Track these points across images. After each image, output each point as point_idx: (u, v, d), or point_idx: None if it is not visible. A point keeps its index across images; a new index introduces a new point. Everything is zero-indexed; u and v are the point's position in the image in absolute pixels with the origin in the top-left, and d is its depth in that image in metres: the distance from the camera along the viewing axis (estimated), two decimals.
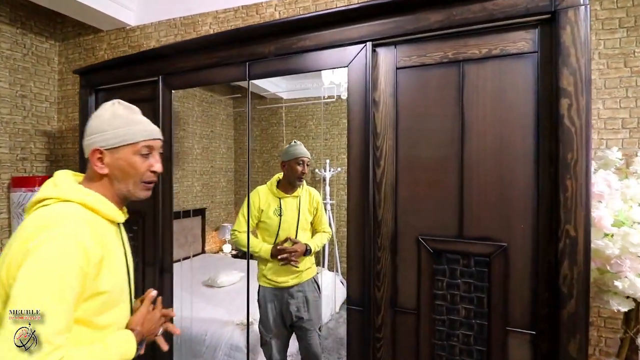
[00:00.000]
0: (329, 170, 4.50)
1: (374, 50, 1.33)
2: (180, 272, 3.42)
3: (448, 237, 1.23)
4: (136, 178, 0.96)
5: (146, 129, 0.98)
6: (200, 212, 4.57)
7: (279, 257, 1.92)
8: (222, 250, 4.78)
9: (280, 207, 2.02)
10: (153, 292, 1.07)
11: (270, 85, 4.37)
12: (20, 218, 2.52)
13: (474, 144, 1.20)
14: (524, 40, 1.16)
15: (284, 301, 2.03)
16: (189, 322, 2.49)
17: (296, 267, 1.96)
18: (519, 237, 1.16)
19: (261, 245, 1.99)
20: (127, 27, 2.83)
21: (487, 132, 1.19)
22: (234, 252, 4.71)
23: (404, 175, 1.30)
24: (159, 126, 1.84)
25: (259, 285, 2.08)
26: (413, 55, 1.29)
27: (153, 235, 1.92)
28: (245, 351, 2.28)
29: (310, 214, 2.10)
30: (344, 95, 2.49)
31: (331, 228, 4.27)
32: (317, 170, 4.41)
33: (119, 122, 0.94)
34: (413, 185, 1.29)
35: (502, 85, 1.18)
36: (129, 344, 0.91)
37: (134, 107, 1.02)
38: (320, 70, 1.41)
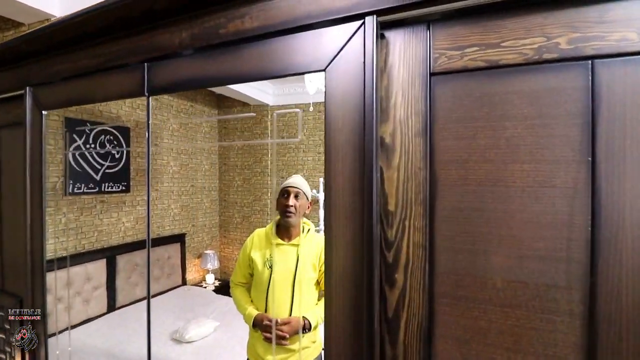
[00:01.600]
0: (324, 191, 3.73)
1: (381, 36, 0.61)
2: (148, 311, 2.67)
3: None
4: None
5: None
6: (178, 239, 3.85)
7: (263, 334, 1.40)
8: (205, 280, 4.06)
9: (273, 257, 1.50)
10: None
11: (253, 91, 3.64)
12: None
13: (626, 252, 0.48)
14: None
15: None
16: None
17: (284, 344, 1.40)
18: None
19: (247, 307, 1.49)
20: (53, 19, 2.11)
21: None
22: (217, 284, 3.99)
23: (449, 312, 0.57)
24: (24, 168, 1.14)
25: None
26: (470, 45, 0.56)
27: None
28: None
29: (314, 270, 1.49)
30: None
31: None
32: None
33: None
34: (474, 339, 0.56)
35: None
36: None
37: None
38: (270, 78, 0.69)
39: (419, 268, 0.58)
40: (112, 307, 3.08)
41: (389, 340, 0.60)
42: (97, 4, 0.78)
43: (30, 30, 0.94)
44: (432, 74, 0.58)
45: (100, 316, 2.95)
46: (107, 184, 3.13)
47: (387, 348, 0.60)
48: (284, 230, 1.52)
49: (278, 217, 1.58)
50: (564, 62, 0.50)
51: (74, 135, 2.84)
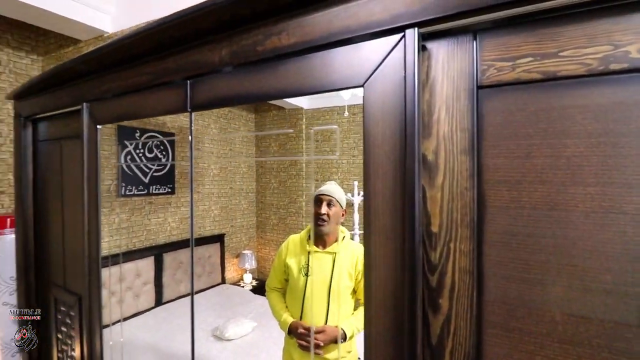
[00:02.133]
0: (358, 194, 3.72)
1: (423, 47, 0.58)
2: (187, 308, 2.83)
3: None
4: None
5: None
6: (218, 239, 3.98)
7: (298, 341, 1.38)
8: (242, 279, 4.16)
9: (308, 264, 1.46)
10: None
11: None
12: None
13: None
14: None
15: None
16: None
17: (319, 353, 1.38)
18: None
19: (282, 314, 1.49)
20: (105, 35, 2.26)
21: None
22: (255, 284, 4.08)
23: (500, 344, 0.52)
24: (82, 177, 1.22)
25: None
26: (523, 55, 0.51)
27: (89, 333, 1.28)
28: None
29: (350, 279, 1.46)
30: None
31: None
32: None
33: None
34: None
35: None
36: None
37: None
38: (308, 94, 0.68)
39: (466, 295, 0.54)
40: (159, 301, 3.25)
41: None
42: (144, 26, 0.81)
43: (85, 52, 1.00)
44: (479, 87, 0.54)
45: (148, 310, 3.12)
46: (154, 187, 3.30)
47: None
48: (319, 238, 1.48)
49: (312, 224, 1.57)
50: (635, 72, 0.44)
51: (125, 142, 3.03)
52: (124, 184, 3.04)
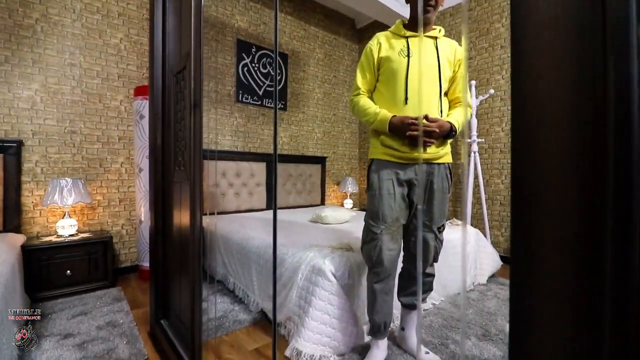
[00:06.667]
0: (476, 97, 2.95)
1: None
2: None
3: None
4: None
5: None
6: (320, 161, 3.92)
7: (408, 133, 1.20)
8: (343, 205, 4.02)
9: (408, 47, 1.27)
10: None
11: (397, 5, 3.33)
12: (138, 125, 2.38)
13: None
14: None
15: (406, 180, 1.29)
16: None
17: (429, 145, 1.25)
18: None
19: (378, 111, 1.29)
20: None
21: None
22: (355, 210, 3.88)
23: None
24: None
25: (371, 160, 1.36)
26: None
27: None
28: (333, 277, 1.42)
29: (450, 69, 1.31)
30: None
31: (478, 180, 2.91)
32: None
33: None
34: None
35: None
36: None
37: None
38: None
39: None
40: (269, 205, 3.36)
41: None
42: None
43: None
44: None
45: (260, 210, 3.25)
46: (267, 100, 3.45)
47: None
48: (414, 25, 1.30)
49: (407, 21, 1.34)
50: None
51: (243, 54, 3.24)
52: (241, 92, 3.24)
